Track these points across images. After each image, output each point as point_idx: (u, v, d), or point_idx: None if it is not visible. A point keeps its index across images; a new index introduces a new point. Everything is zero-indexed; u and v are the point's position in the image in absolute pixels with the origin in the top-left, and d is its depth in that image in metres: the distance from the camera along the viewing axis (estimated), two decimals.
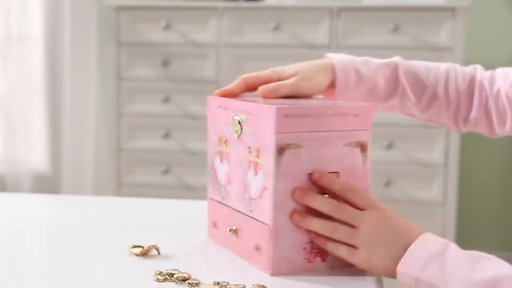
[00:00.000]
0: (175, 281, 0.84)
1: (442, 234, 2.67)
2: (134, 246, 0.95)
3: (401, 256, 0.81)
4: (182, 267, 0.88)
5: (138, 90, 2.89)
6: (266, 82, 1.01)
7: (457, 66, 1.15)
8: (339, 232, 0.85)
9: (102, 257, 0.94)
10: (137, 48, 2.88)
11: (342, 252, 0.85)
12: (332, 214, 0.85)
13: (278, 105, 0.84)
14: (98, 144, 3.33)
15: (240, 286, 0.82)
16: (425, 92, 1.12)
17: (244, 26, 2.78)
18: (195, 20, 2.81)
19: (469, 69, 1.15)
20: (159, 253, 0.95)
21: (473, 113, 1.13)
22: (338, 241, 0.85)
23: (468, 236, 3.08)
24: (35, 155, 3.38)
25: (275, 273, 0.86)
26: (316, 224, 0.85)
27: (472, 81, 1.14)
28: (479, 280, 0.75)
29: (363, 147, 0.87)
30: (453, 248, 0.80)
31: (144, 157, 2.91)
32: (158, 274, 0.85)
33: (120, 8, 2.86)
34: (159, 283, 0.84)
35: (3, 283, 0.83)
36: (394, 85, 1.11)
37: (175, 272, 0.85)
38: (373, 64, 1.10)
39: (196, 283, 0.83)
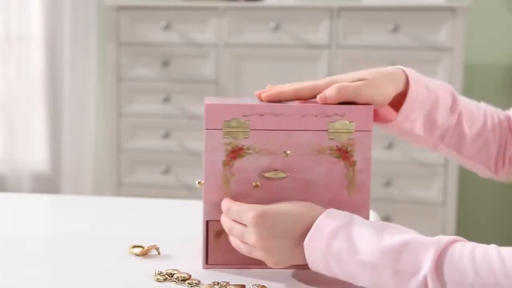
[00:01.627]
0: (175, 281, 0.84)
1: (442, 234, 2.67)
2: (134, 246, 0.95)
3: (300, 256, 0.82)
4: (182, 267, 0.88)
5: (138, 90, 2.89)
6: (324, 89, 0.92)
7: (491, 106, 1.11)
8: (242, 249, 0.86)
9: (102, 257, 0.94)
10: (137, 48, 2.88)
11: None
12: (228, 232, 0.88)
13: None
14: (98, 144, 3.33)
15: (240, 286, 0.82)
16: (476, 122, 1.06)
17: (244, 26, 2.78)
18: (195, 20, 2.82)
19: (501, 111, 1.13)
20: (159, 253, 0.95)
21: (508, 152, 1.09)
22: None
23: (468, 236, 3.07)
24: (35, 155, 3.38)
25: None
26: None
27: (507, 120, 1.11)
28: (387, 246, 0.76)
29: None
30: (358, 219, 0.81)
31: (144, 157, 2.91)
32: (158, 274, 0.85)
33: (120, 8, 2.86)
34: (159, 283, 0.84)
35: (3, 283, 0.83)
36: (452, 105, 1.03)
37: (175, 272, 0.85)
38: (434, 80, 1.03)
39: (196, 283, 0.83)
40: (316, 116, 0.88)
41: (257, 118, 0.87)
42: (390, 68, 0.98)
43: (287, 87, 0.93)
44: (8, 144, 3.33)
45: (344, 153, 0.89)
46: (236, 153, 0.88)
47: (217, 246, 0.90)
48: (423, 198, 2.68)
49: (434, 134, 1.03)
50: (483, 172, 1.11)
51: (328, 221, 0.80)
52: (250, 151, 0.88)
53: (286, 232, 0.82)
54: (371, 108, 0.89)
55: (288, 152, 0.88)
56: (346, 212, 0.82)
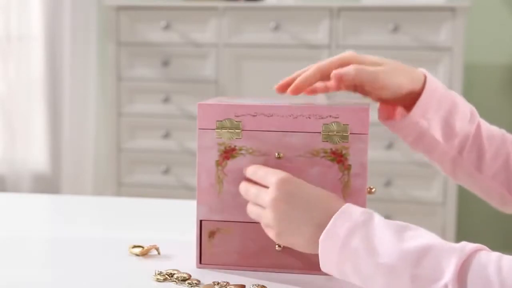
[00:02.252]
0: (175, 281, 0.84)
1: (442, 234, 2.67)
2: (134, 246, 0.95)
3: (315, 232, 0.78)
4: (182, 267, 0.88)
5: (138, 90, 2.89)
6: (341, 66, 0.92)
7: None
8: (252, 212, 0.85)
9: (102, 257, 0.94)
10: (137, 48, 2.88)
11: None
12: (244, 194, 0.86)
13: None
14: (98, 144, 3.33)
15: (240, 286, 0.82)
16: (495, 140, 1.02)
17: (244, 26, 2.78)
18: (195, 20, 2.82)
19: None
20: (159, 253, 0.95)
21: None
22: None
23: (468, 236, 3.08)
24: (35, 155, 3.38)
25: None
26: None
27: None
28: (407, 250, 0.73)
29: None
30: (377, 217, 0.78)
31: (144, 157, 2.91)
32: (158, 274, 0.85)
33: (120, 8, 2.86)
34: (159, 283, 0.84)
35: (3, 283, 0.83)
36: (471, 115, 0.99)
37: (175, 272, 0.85)
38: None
39: (196, 283, 0.83)
40: (309, 118, 0.86)
41: (249, 118, 0.87)
42: (409, 66, 0.97)
43: (305, 74, 0.92)
44: (8, 144, 3.33)
45: (338, 156, 0.86)
46: (228, 153, 0.88)
47: (210, 246, 0.90)
48: (423, 198, 2.68)
49: (452, 141, 0.99)
50: (504, 199, 1.07)
51: (346, 218, 0.77)
52: (242, 151, 0.88)
53: (303, 206, 0.79)
54: (367, 110, 0.86)
55: (281, 154, 0.87)
56: (364, 209, 0.78)
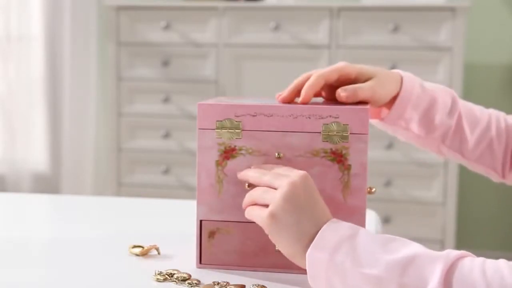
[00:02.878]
0: (175, 281, 0.84)
1: (442, 234, 2.67)
2: (134, 246, 0.95)
3: (308, 236, 0.78)
4: (182, 267, 0.88)
5: (138, 90, 2.89)
6: (340, 79, 0.97)
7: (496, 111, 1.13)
8: (256, 192, 0.83)
9: (102, 257, 0.94)
10: (137, 48, 2.88)
11: (248, 212, 0.84)
12: (257, 179, 0.85)
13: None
14: (98, 144, 3.33)
15: (240, 286, 0.82)
16: (479, 125, 1.08)
17: (244, 26, 2.78)
18: (195, 20, 2.82)
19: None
20: (159, 253, 0.95)
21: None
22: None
23: (468, 236, 3.08)
24: (35, 155, 3.38)
25: None
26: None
27: None
28: (393, 260, 0.74)
29: None
30: (363, 231, 0.79)
31: (144, 157, 2.91)
32: (158, 274, 0.85)
33: (120, 8, 2.86)
34: (159, 283, 0.84)
35: (3, 283, 0.83)
36: (452, 107, 1.06)
37: (175, 272, 0.85)
38: (435, 84, 1.07)
39: (196, 283, 0.83)
40: (309, 118, 0.86)
41: (249, 118, 0.87)
42: (387, 70, 1.03)
43: (310, 81, 0.94)
44: (8, 144, 3.33)
45: (338, 156, 0.86)
46: (228, 153, 0.88)
47: (210, 246, 0.90)
48: (423, 198, 2.68)
49: (433, 134, 1.06)
50: (491, 175, 1.13)
51: (333, 232, 0.78)
52: (242, 151, 0.88)
53: (314, 203, 0.80)
54: (366, 110, 0.86)
55: (281, 154, 0.87)
56: (350, 224, 0.80)
